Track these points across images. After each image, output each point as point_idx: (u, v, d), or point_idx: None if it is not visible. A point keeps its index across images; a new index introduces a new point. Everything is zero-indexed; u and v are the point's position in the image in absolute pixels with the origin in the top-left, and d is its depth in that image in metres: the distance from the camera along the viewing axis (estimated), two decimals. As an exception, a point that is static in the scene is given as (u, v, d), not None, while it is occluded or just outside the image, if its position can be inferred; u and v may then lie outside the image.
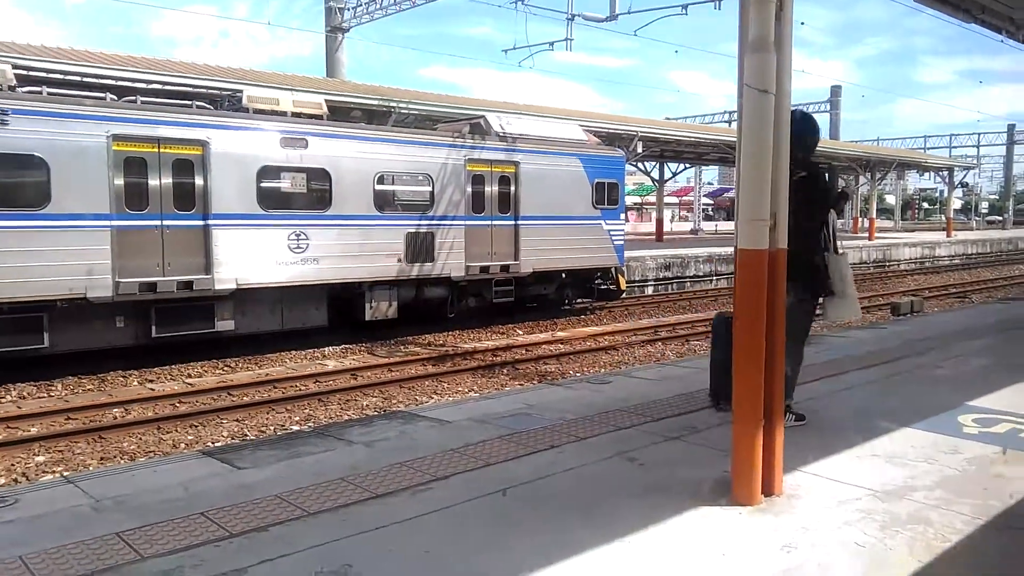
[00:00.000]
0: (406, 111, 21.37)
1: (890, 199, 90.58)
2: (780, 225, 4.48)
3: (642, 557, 3.87)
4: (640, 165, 40.57)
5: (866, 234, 46.72)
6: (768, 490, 4.57)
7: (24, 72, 14.51)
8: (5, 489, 6.34)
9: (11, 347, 11.41)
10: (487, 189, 16.68)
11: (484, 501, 4.65)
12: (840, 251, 6.12)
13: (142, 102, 12.91)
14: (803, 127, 5.80)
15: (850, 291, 6.02)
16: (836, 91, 62.53)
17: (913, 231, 65.64)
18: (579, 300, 19.88)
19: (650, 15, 22.18)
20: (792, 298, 4.98)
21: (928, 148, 69.50)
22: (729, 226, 65.28)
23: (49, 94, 12.13)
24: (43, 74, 15.57)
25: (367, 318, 15.15)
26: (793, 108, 4.62)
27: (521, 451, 5.61)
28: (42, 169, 11.36)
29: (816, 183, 6.07)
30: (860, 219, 56.75)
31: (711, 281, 27.44)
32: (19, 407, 10.51)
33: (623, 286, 19.90)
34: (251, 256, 13.30)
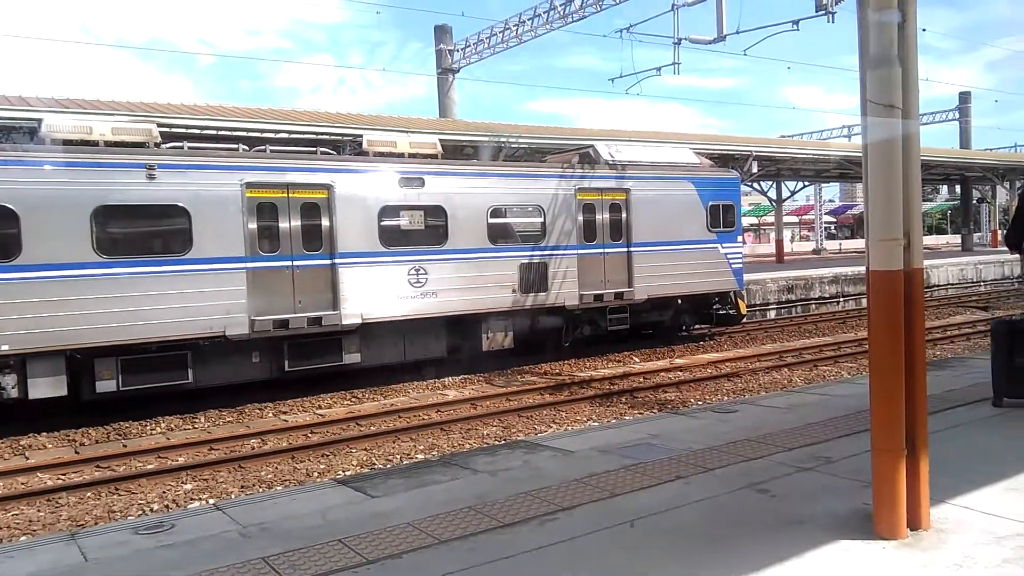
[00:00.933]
0: (515, 145, 21.76)
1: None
2: (915, 244, 4.28)
3: (780, 592, 3.74)
4: (756, 185, 39.54)
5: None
6: (914, 523, 4.32)
7: (167, 129, 15.78)
8: (161, 515, 6.81)
9: (160, 383, 12.30)
10: (598, 217, 16.70)
11: (611, 532, 4.62)
12: None
13: (271, 151, 13.76)
14: None
15: None
16: (965, 97, 58.88)
17: (1062, 242, 60.47)
18: (697, 326, 19.46)
19: (759, 33, 21.71)
20: None
21: (1075, 151, 64.17)
22: (854, 244, 62.43)
23: (189, 148, 13.12)
24: (183, 130, 16.90)
25: (484, 348, 15.39)
26: None
27: (647, 482, 5.54)
28: (184, 217, 12.27)
29: None
30: (1000, 231, 52.94)
31: (838, 303, 26.26)
32: (168, 438, 11.28)
33: (743, 310, 19.33)
34: (374, 291, 13.83)
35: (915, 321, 4.30)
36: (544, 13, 27.66)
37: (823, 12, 19.71)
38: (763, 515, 4.77)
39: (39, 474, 9.52)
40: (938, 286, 30.28)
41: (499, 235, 15.42)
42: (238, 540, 4.82)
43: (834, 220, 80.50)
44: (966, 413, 7.18)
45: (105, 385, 11.76)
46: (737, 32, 21.55)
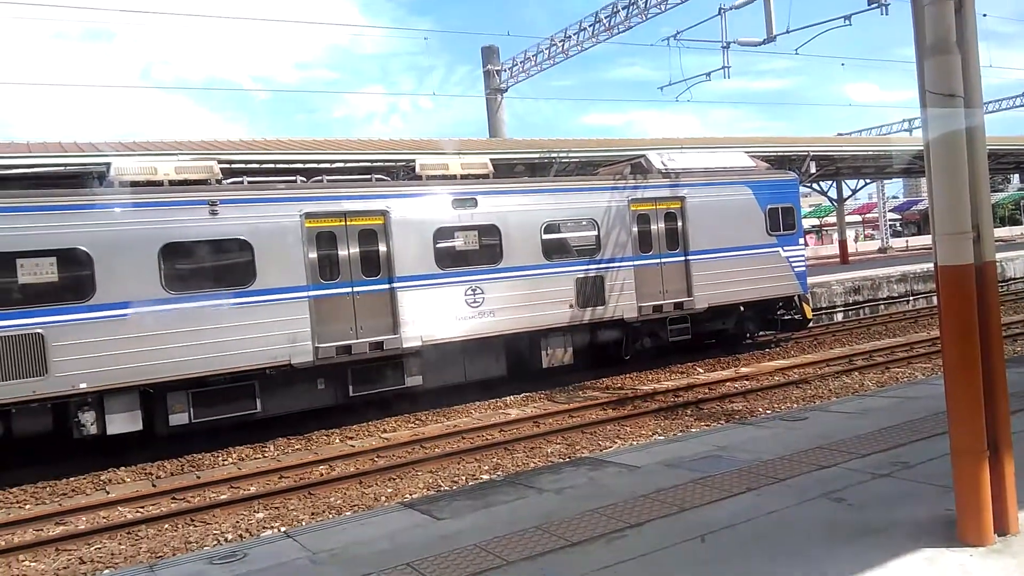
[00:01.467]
0: (566, 159, 21.77)
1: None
2: (985, 236, 4.11)
3: (862, 606, 3.59)
4: (815, 185, 38.64)
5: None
6: (1002, 528, 4.11)
7: (227, 166, 16.26)
8: (235, 544, 6.95)
9: (230, 414, 12.60)
10: (653, 227, 16.53)
11: (682, 548, 4.52)
12: None
13: (328, 180, 14.05)
14: None
15: None
16: (1033, 82, 56.60)
17: None
18: (761, 333, 19.04)
19: (810, 31, 21.29)
20: None
21: None
22: (921, 241, 60.41)
23: (249, 183, 13.49)
24: (243, 165, 17.40)
25: (544, 365, 15.34)
26: None
27: (716, 495, 5.41)
28: (247, 250, 12.61)
29: None
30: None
31: (907, 302, 25.39)
32: (239, 468, 11.53)
33: (809, 315, 18.83)
34: (433, 313, 13.94)
35: (990, 316, 4.11)
36: (589, 27, 27.68)
37: (876, 5, 19.25)
38: (840, 525, 4.61)
39: (119, 508, 9.83)
40: (1014, 279, 29.01)
41: (554, 251, 15.39)
42: (308, 567, 4.87)
43: (899, 217, 78.07)
44: (1053, 411, 6.81)
45: (178, 418, 12.10)
46: (787, 32, 21.17)
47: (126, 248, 11.65)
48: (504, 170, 19.68)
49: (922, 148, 4.33)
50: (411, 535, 5.30)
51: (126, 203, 11.85)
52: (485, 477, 9.69)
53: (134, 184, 12.32)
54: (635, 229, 16.26)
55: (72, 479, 11.34)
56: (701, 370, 16.43)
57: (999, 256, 4.50)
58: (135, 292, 11.67)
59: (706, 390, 14.03)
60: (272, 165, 18.07)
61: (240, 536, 8.35)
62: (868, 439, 6.47)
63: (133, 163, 13.34)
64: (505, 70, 31.53)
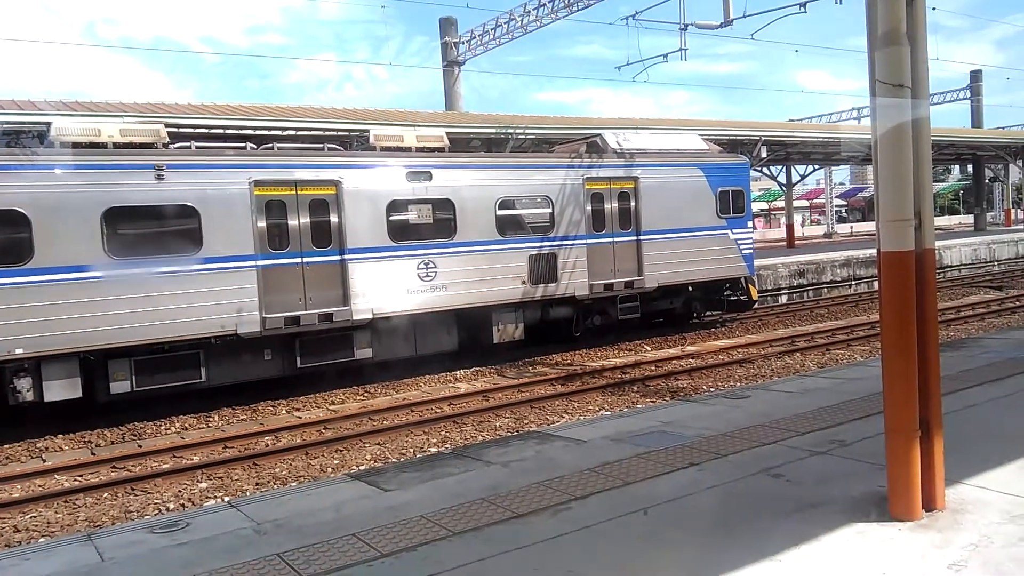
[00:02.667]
0: (523, 136, 21.71)
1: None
2: (926, 224, 4.24)
3: (795, 577, 3.72)
4: (766, 170, 39.30)
5: (1022, 226, 43.06)
6: (929, 504, 4.29)
7: (174, 129, 15.81)
8: (176, 514, 6.86)
9: (173, 382, 12.37)
10: (607, 206, 16.64)
11: (625, 520, 4.61)
12: None
13: (279, 148, 13.77)
14: None
15: None
16: (976, 76, 58.12)
17: (1077, 220, 59.99)
18: (708, 313, 19.39)
19: (766, 17, 21.54)
20: None
21: (1089, 127, 63.37)
22: (865, 227, 62.01)
23: (197, 148, 13.14)
24: (190, 129, 16.94)
25: (495, 341, 15.39)
26: None
27: (660, 470, 5.53)
28: (194, 217, 12.31)
29: None
30: (1013, 210, 52.50)
31: (850, 286, 26.10)
32: (183, 437, 11.35)
33: (754, 296, 19.24)
34: (384, 286, 13.84)
35: (927, 302, 4.26)
36: (549, 2, 27.52)
37: (830, -7, 19.53)
38: (778, 500, 4.75)
39: (56, 476, 9.60)
40: (951, 267, 30.03)
41: (508, 227, 15.39)
42: (253, 537, 4.84)
43: (845, 203, 79.99)
44: (980, 393, 7.12)
45: (119, 386, 11.84)
46: (744, 16, 21.42)
47: (67, 211, 11.28)
48: (460, 144, 19.53)
49: (869, 136, 4.44)
50: (357, 506, 5.30)
51: (67, 164, 11.45)
52: (433, 450, 9.72)
53: (76, 145, 11.88)
54: (589, 208, 16.34)
55: (6, 446, 11.05)
56: (648, 348, 16.68)
57: (938, 244, 4.67)
58: (75, 256, 11.32)
59: (653, 367, 14.27)
60: (221, 130, 17.63)
61: (183, 506, 8.25)
62: (807, 418, 6.67)
63: (75, 123, 12.87)
64: (463, 43, 31.17)
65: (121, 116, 15.70)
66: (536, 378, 13.71)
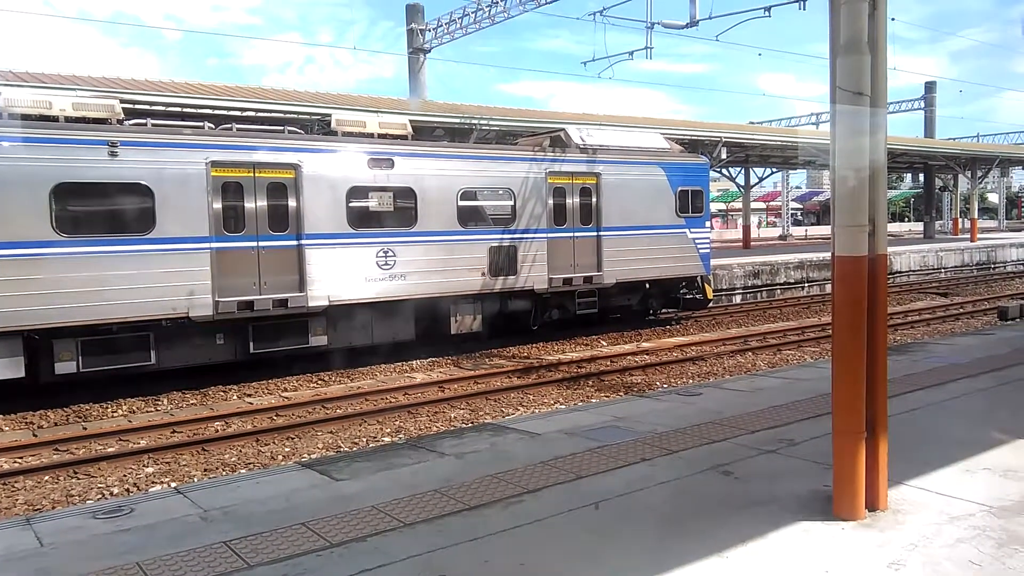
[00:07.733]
0: (487, 127, 21.64)
1: (993, 198, 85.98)
2: (879, 230, 4.33)
3: (741, 573, 3.78)
4: (725, 171, 39.80)
5: (968, 235, 44.39)
6: (872, 504, 4.40)
7: (130, 106, 15.40)
8: (120, 499, 6.71)
9: (121, 364, 12.08)
10: (568, 201, 16.69)
11: (577, 514, 4.64)
12: None
13: (237, 129, 13.50)
14: None
15: None
16: (930, 87, 59.74)
17: (1020, 231, 62.03)
18: (664, 310, 19.61)
19: (732, 19, 21.78)
20: None
21: (1034, 142, 65.51)
22: (820, 231, 63.25)
23: (153, 125, 12.82)
24: (147, 107, 16.52)
25: (453, 332, 15.35)
26: None
27: (612, 464, 5.57)
28: (147, 196, 12.01)
29: None
30: (961, 220, 54.06)
31: (803, 288, 26.62)
32: (129, 421, 11.10)
33: (710, 295, 19.51)
34: (342, 274, 13.69)
35: (878, 306, 4.35)
36: (517, -6, 27.39)
37: (795, -1, 19.83)
38: (726, 497, 4.83)
39: (-5, 457, 9.32)
40: (900, 272, 30.83)
41: (469, 218, 15.34)
42: (199, 524, 4.75)
43: (800, 207, 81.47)
44: (924, 396, 7.32)
45: (64, 367, 11.52)
46: (710, 17, 21.63)
47: (13, 185, 10.92)
48: (423, 133, 19.39)
49: (827, 142, 4.52)
50: (307, 495, 5.24)
51: (14, 137, 11.07)
52: (387, 440, 9.67)
53: (25, 118, 11.50)
54: (551, 202, 16.37)
55: (-57, 426, 10.69)
56: (605, 343, 16.80)
57: (889, 250, 4.78)
58: (21, 232, 10.97)
59: (608, 363, 14.38)
60: (179, 108, 17.22)
61: (127, 490, 8.07)
62: (758, 416, 6.78)
63: (26, 95, 12.47)
64: (429, 30, 30.92)
65: (75, 89, 15.22)
66: (493, 370, 13.72)
